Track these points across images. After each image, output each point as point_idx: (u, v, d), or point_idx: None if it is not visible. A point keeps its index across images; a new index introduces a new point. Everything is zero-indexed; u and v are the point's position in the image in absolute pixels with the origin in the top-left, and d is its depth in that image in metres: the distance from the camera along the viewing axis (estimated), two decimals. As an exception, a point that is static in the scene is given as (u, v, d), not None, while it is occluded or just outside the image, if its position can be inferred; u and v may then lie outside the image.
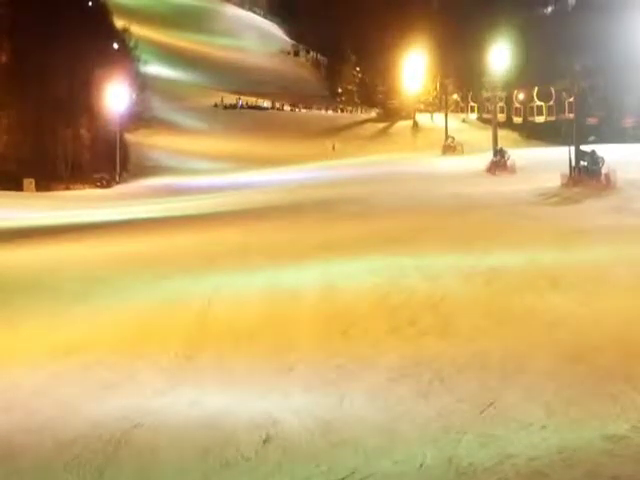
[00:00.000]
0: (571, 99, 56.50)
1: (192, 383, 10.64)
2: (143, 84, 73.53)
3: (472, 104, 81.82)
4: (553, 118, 69.15)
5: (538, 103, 73.08)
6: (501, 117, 70.67)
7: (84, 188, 57.42)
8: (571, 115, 50.00)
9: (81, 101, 61.04)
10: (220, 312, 14.29)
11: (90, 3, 76.23)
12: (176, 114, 79.16)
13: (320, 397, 9.70)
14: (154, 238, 25.25)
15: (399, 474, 7.43)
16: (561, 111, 66.02)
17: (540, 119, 73.14)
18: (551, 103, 69.11)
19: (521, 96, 74.47)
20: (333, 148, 54.87)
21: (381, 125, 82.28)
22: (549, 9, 78.44)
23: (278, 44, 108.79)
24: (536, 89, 72.43)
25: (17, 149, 57.37)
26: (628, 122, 63.92)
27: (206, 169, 62.54)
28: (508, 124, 73.05)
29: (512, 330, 11.80)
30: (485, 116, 78.12)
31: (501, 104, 73.44)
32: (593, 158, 33.27)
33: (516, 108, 75.27)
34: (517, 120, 74.75)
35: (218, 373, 11.04)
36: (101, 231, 28.01)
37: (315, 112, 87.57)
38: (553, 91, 65.25)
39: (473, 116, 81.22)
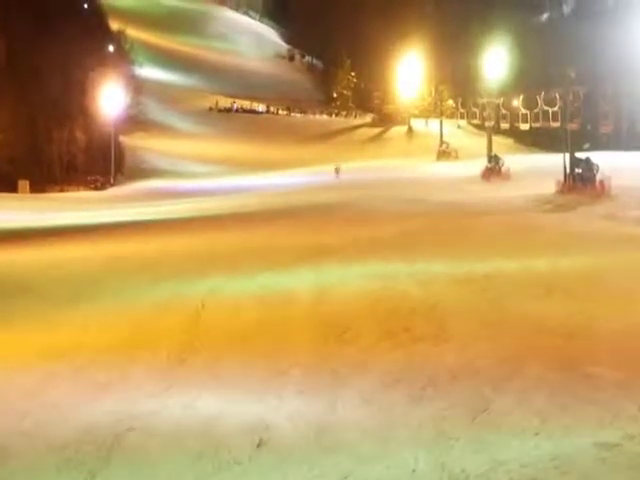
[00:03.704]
0: (575, 104, 56.76)
1: (185, 386, 10.60)
2: (138, 87, 73.60)
3: (461, 110, 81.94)
4: (555, 125, 69.21)
5: (525, 111, 73.17)
6: (494, 123, 70.91)
7: (78, 190, 57.46)
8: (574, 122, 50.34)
9: (76, 103, 61.07)
10: (213, 315, 14.27)
11: (85, 5, 76.37)
12: (171, 117, 79.20)
13: (313, 401, 9.68)
14: (148, 241, 25.24)
15: (392, 479, 7.42)
16: (556, 119, 66.20)
17: (525, 127, 73.27)
18: (555, 109, 69.09)
19: (515, 102, 74.57)
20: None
21: (376, 130, 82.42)
22: (545, 16, 78.60)
23: (273, 48, 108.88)
24: (521, 97, 72.48)
25: (12, 150, 57.31)
26: (606, 128, 64.33)
27: (201, 172, 62.57)
28: (503, 130, 73.24)
29: (506, 337, 11.79)
30: (475, 122, 78.33)
31: (489, 111, 73.72)
32: (588, 165, 33.33)
33: (508, 114, 75.34)
34: (506, 126, 74.84)
35: (211, 376, 11.01)
36: (95, 233, 27.99)
37: (310, 117, 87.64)
38: (557, 97, 65.32)
39: (464, 122, 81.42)
